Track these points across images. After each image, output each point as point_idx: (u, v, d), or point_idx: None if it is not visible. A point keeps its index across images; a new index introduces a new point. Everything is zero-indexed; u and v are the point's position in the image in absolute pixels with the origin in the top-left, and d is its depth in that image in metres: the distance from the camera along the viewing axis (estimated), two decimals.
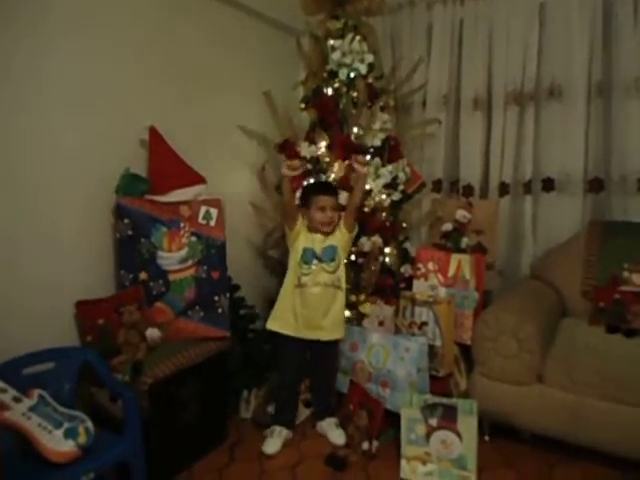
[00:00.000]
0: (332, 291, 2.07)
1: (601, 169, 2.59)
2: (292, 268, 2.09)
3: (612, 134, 2.53)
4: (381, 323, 2.37)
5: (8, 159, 1.68)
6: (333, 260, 2.07)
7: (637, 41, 2.41)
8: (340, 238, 2.10)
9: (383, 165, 2.53)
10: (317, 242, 2.07)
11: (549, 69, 2.63)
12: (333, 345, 2.18)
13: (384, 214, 2.52)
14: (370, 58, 2.52)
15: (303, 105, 2.65)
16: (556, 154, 2.65)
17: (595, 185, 2.61)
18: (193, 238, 2.08)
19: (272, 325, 2.12)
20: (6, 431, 1.39)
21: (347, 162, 2.39)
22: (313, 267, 2.04)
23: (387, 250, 2.53)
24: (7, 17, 1.66)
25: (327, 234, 2.08)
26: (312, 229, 2.09)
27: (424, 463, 1.86)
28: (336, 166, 2.45)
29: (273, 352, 2.40)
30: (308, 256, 2.05)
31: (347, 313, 2.32)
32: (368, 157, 2.27)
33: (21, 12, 1.69)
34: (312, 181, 2.39)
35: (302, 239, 2.07)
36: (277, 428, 2.10)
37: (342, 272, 2.11)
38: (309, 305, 2.05)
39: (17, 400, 1.45)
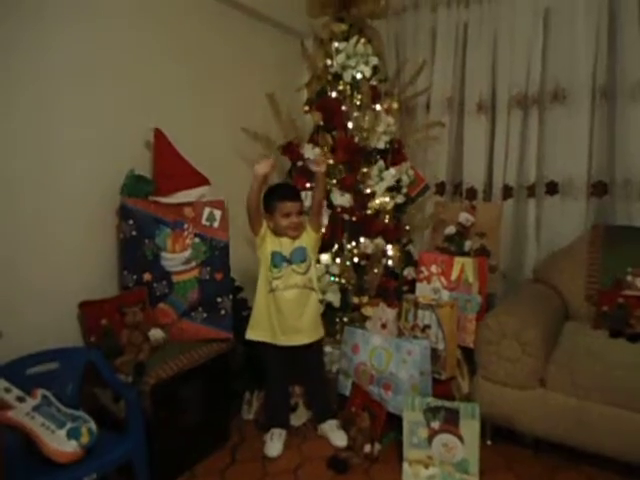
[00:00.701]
0: (305, 292, 2.06)
1: (605, 173, 2.59)
2: (262, 274, 2.06)
3: (616, 138, 2.52)
4: (384, 326, 2.37)
5: (11, 160, 1.69)
6: (303, 261, 2.05)
7: None
8: (307, 239, 2.08)
9: (387, 168, 2.53)
10: (285, 245, 2.04)
11: (553, 73, 2.63)
12: (315, 346, 2.16)
13: (387, 217, 2.53)
14: (374, 61, 2.53)
15: (307, 107, 2.66)
16: (560, 158, 2.65)
17: (599, 189, 2.61)
18: (197, 239, 2.08)
19: (250, 335, 2.09)
20: (10, 431, 1.40)
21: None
22: (283, 270, 2.02)
23: (390, 253, 2.53)
24: (6, 17, 1.66)
25: (294, 239, 2.06)
26: (278, 233, 2.05)
27: (426, 466, 1.86)
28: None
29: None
30: (277, 259, 2.02)
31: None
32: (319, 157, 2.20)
33: (22, 9, 1.70)
34: (272, 185, 2.25)
35: (269, 243, 2.03)
36: (275, 431, 2.10)
37: (313, 273, 2.09)
38: (283, 309, 2.03)
39: (21, 400, 1.46)
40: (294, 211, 2.02)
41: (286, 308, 2.03)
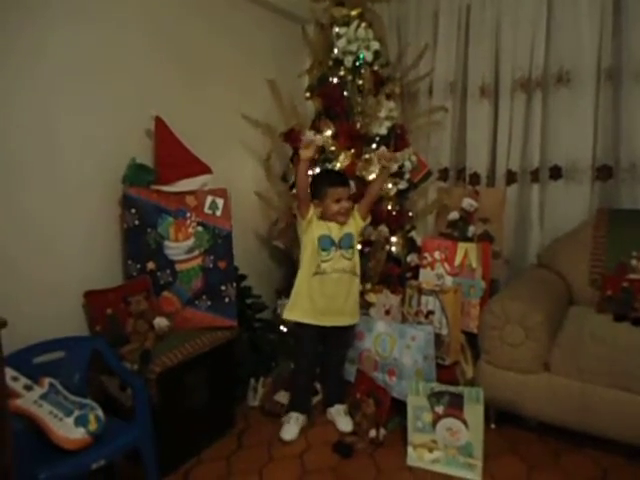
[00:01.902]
0: (350, 277, 2.09)
1: (610, 157, 2.56)
2: (308, 256, 2.06)
3: (621, 121, 2.49)
4: (387, 312, 2.38)
5: (13, 152, 1.69)
6: (351, 247, 2.07)
7: None
8: (355, 226, 2.10)
9: (390, 157, 2.51)
10: (334, 230, 2.05)
11: (557, 55, 2.59)
12: (350, 330, 2.21)
13: (390, 203, 2.52)
14: (376, 45, 2.50)
15: (308, 94, 2.64)
16: (564, 142, 2.62)
17: (603, 173, 2.58)
18: (199, 228, 2.08)
19: (290, 315, 2.12)
20: (18, 419, 1.41)
21: (352, 151, 2.38)
22: (332, 253, 2.04)
23: (393, 239, 2.53)
24: (7, 5, 1.65)
25: (343, 224, 2.07)
26: (326, 218, 2.06)
27: (430, 450, 1.87)
28: (342, 156, 2.45)
29: (280, 341, 2.42)
30: (326, 243, 2.04)
31: None
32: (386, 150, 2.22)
33: (20, 3, 1.68)
34: (320, 171, 2.35)
35: (315, 227, 2.05)
36: (294, 414, 2.12)
37: (358, 260, 2.12)
38: (329, 291, 2.05)
39: (28, 388, 1.48)
40: (345, 196, 2.04)
41: (332, 291, 2.05)
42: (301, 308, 2.09)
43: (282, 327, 2.46)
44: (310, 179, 2.11)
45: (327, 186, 2.04)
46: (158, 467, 1.69)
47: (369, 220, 2.19)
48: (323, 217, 2.07)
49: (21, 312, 1.68)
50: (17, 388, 1.46)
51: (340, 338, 2.19)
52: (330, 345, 2.20)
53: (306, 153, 1.94)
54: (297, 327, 2.13)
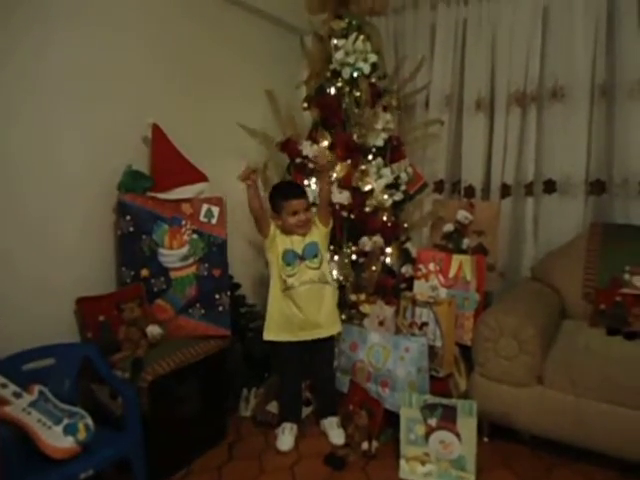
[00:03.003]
0: (320, 286, 2.07)
1: (603, 171, 2.59)
2: (275, 273, 2.07)
3: (615, 136, 2.52)
4: (381, 323, 2.37)
5: (9, 156, 1.68)
6: (316, 256, 2.06)
7: None
8: (318, 234, 2.09)
9: (385, 165, 2.53)
10: (296, 242, 2.05)
11: (552, 70, 2.63)
12: (330, 340, 2.19)
13: (385, 214, 2.52)
14: (373, 58, 2.52)
15: (306, 104, 2.65)
16: (558, 156, 2.65)
17: (597, 187, 2.61)
18: (194, 236, 2.08)
19: (269, 335, 2.10)
20: (6, 426, 1.39)
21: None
22: (297, 267, 2.03)
23: (388, 250, 2.53)
24: (6, 13, 1.65)
25: (304, 235, 2.07)
26: (288, 231, 2.06)
27: (423, 463, 1.86)
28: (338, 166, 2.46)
29: (269, 356, 2.40)
30: (289, 257, 2.04)
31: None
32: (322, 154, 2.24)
33: (21, 9, 1.69)
34: (275, 184, 2.29)
35: (279, 242, 2.05)
36: (287, 425, 2.11)
37: (326, 267, 2.11)
38: (301, 305, 2.04)
39: (17, 395, 1.45)
40: (301, 208, 2.03)
41: (303, 304, 2.04)
42: (277, 326, 2.08)
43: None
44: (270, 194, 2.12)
45: (282, 200, 2.04)
46: (148, 477, 1.66)
47: (331, 224, 2.17)
48: (284, 231, 2.06)
49: (12, 318, 1.68)
50: (6, 395, 1.43)
51: (324, 350, 2.16)
52: (315, 359, 2.17)
53: (241, 178, 1.95)
54: (276, 346, 2.11)
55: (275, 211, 2.07)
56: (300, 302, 2.04)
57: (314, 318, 2.06)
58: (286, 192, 2.07)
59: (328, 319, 2.11)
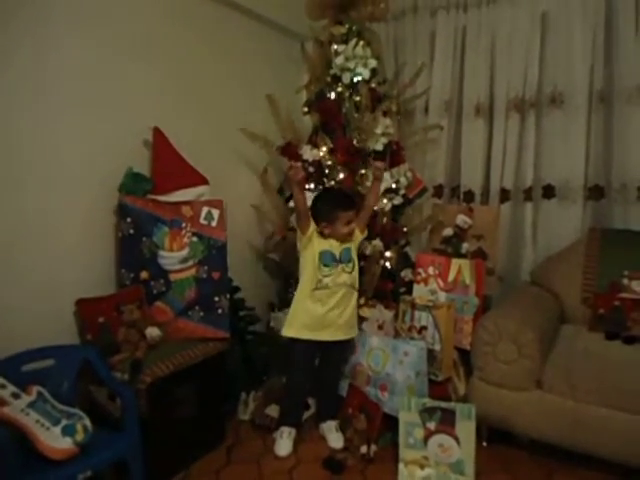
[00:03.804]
0: (349, 291, 2.09)
1: (602, 177, 2.60)
2: (309, 272, 2.05)
3: (613, 142, 2.54)
4: (380, 327, 2.37)
5: (11, 158, 1.69)
6: (350, 261, 2.08)
7: (638, 49, 2.42)
8: (354, 240, 2.11)
9: (385, 170, 2.53)
10: (334, 245, 2.06)
11: (551, 77, 2.65)
12: (347, 345, 2.20)
13: (385, 218, 2.53)
14: (373, 63, 2.54)
15: (306, 109, 2.67)
16: (557, 161, 2.66)
17: (595, 193, 2.62)
18: (194, 238, 2.08)
19: (289, 332, 2.09)
20: (4, 427, 1.39)
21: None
22: (334, 269, 2.04)
23: (388, 254, 2.53)
24: (8, 17, 1.67)
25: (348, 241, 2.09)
26: (330, 236, 2.07)
27: (422, 467, 1.85)
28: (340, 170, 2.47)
29: (269, 359, 2.40)
30: (327, 258, 2.04)
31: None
32: (383, 164, 2.25)
33: (22, 13, 1.71)
34: (330, 193, 2.31)
35: (316, 243, 2.05)
36: (286, 429, 2.09)
37: (357, 273, 2.13)
38: (330, 305, 2.04)
39: (16, 396, 1.45)
40: (353, 218, 2.07)
41: (333, 305, 2.04)
42: (301, 323, 2.07)
43: (277, 340, 2.44)
44: (316, 199, 2.12)
45: (339, 210, 2.04)
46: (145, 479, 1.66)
47: (366, 233, 2.20)
48: (324, 234, 2.07)
49: (12, 319, 1.68)
50: (4, 396, 1.43)
51: (337, 353, 2.18)
52: (327, 361, 2.18)
53: (294, 176, 1.95)
54: (294, 342, 2.10)
55: (325, 219, 2.05)
56: (330, 303, 2.04)
57: (339, 320, 2.07)
58: (344, 203, 2.08)
59: (349, 323, 2.13)
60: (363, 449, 2.00)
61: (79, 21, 1.88)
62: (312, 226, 2.04)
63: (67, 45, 1.84)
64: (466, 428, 1.78)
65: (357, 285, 2.14)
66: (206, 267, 2.09)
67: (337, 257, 2.05)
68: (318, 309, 2.04)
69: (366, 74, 2.53)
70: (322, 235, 2.06)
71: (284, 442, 2.06)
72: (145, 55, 2.14)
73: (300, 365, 2.12)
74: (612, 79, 2.51)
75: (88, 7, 1.91)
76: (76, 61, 1.88)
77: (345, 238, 2.07)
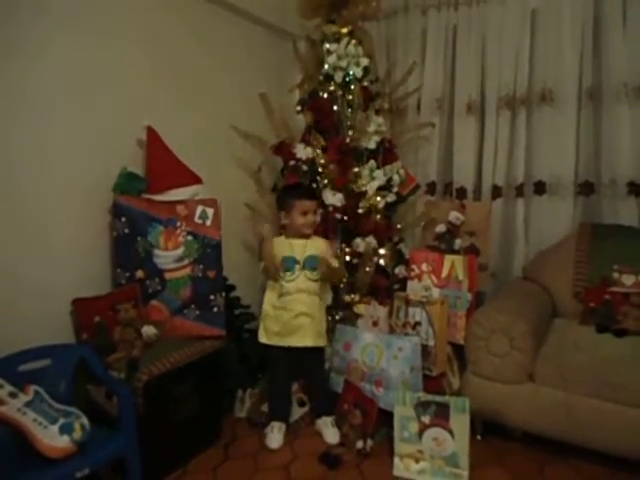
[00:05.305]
0: (315, 299, 2.12)
1: (592, 173, 2.63)
2: (272, 282, 2.14)
3: (602, 138, 2.57)
4: (375, 323, 2.39)
5: (3, 158, 1.69)
6: (315, 269, 2.10)
7: (626, 47, 2.46)
8: (319, 246, 2.14)
9: (378, 167, 2.56)
10: (296, 247, 2.11)
11: (541, 74, 2.67)
12: (318, 353, 2.22)
13: (378, 216, 2.55)
14: (365, 62, 2.56)
15: (299, 108, 2.68)
16: (547, 158, 2.69)
17: (586, 188, 2.65)
18: (189, 237, 2.09)
19: (262, 338, 2.17)
20: (2, 426, 1.39)
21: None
22: (296, 273, 2.08)
23: (381, 251, 2.55)
24: (2, 17, 1.66)
25: (307, 237, 2.12)
26: (290, 234, 2.11)
27: (417, 461, 1.88)
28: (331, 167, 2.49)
29: (264, 357, 2.42)
30: (289, 263, 2.09)
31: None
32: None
33: (16, 13, 1.70)
34: (289, 184, 2.37)
35: (278, 251, 2.10)
36: (276, 424, 2.13)
37: (324, 286, 2.17)
38: (294, 312, 2.08)
39: (13, 396, 1.46)
40: (311, 210, 2.09)
41: (297, 311, 2.08)
42: (270, 330, 2.14)
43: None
44: (279, 191, 2.21)
45: (294, 198, 2.10)
46: (143, 477, 1.67)
47: (344, 272, 2.32)
48: (287, 232, 2.11)
49: (7, 319, 1.68)
50: (2, 395, 1.44)
51: (309, 358, 2.19)
52: (305, 365, 2.21)
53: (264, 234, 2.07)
54: (268, 348, 2.16)
55: (283, 209, 2.12)
56: (295, 309, 2.08)
57: (304, 326, 2.10)
58: (299, 192, 2.15)
59: (317, 331, 2.15)
60: (359, 444, 2.02)
61: (74, 22, 1.87)
62: (274, 242, 2.13)
63: (62, 46, 1.84)
64: (460, 421, 1.81)
65: (324, 297, 2.18)
66: (201, 266, 2.10)
67: (300, 261, 2.09)
68: (284, 315, 2.09)
69: (358, 73, 2.54)
70: (286, 235, 2.12)
71: (274, 436, 2.09)
72: (139, 55, 2.14)
73: (277, 368, 2.18)
74: (601, 76, 2.54)
75: (81, 7, 1.90)
76: (71, 61, 1.87)
77: (305, 231, 2.10)
